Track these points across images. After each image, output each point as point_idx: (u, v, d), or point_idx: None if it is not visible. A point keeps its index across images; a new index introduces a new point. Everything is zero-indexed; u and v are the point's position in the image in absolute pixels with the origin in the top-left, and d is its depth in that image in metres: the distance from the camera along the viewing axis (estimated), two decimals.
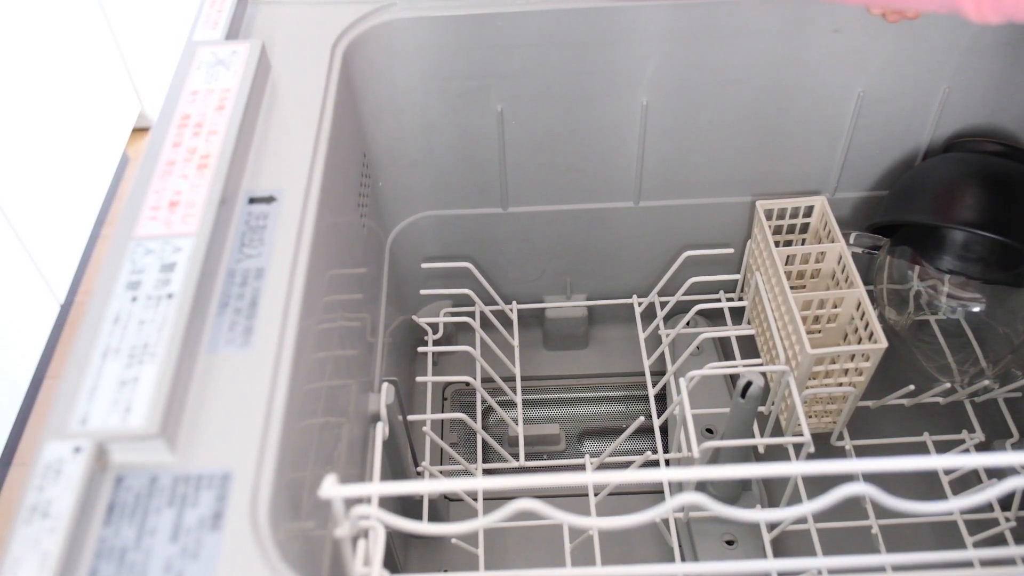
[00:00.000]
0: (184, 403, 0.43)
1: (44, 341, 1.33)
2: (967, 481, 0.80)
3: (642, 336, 0.91)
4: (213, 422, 0.43)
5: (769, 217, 0.83)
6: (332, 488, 0.40)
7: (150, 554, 0.38)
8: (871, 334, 0.73)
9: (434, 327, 0.88)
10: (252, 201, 0.53)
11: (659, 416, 0.84)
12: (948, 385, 0.78)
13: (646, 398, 0.87)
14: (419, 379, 0.84)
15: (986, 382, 0.78)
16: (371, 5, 0.69)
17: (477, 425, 0.79)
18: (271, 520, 0.40)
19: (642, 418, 0.74)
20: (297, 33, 0.66)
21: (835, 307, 0.78)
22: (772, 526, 0.75)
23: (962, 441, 0.81)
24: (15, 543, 0.37)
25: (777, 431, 0.80)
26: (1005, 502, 0.77)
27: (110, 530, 0.39)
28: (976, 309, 0.79)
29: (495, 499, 0.81)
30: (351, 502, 0.42)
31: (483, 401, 0.83)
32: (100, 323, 0.44)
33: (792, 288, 0.78)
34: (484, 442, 0.82)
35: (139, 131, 1.71)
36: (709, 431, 0.84)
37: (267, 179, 0.54)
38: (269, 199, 0.53)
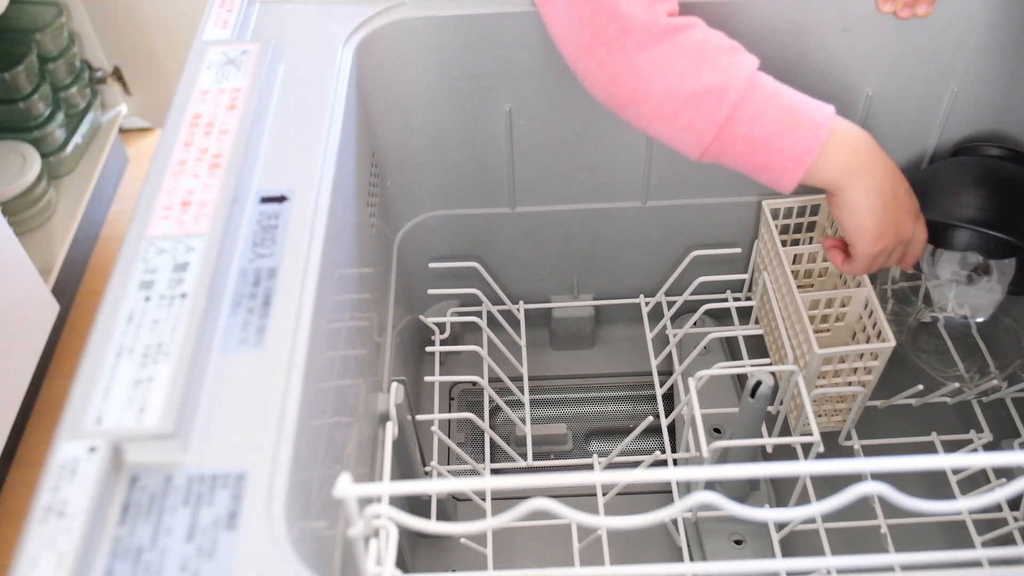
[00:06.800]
0: (198, 402, 0.43)
1: (44, 341, 1.32)
2: (975, 481, 0.80)
3: (649, 336, 0.91)
4: (227, 421, 0.43)
5: (776, 216, 0.83)
6: (347, 487, 0.39)
7: (166, 553, 0.38)
8: (879, 333, 0.73)
9: (441, 327, 0.88)
10: (264, 200, 0.53)
11: (667, 416, 0.84)
12: (956, 385, 0.78)
13: (653, 398, 0.87)
14: (426, 379, 0.83)
15: (994, 381, 0.78)
16: (380, 5, 0.69)
17: (485, 424, 0.79)
18: (286, 519, 0.40)
19: (650, 418, 0.74)
20: (306, 33, 0.66)
21: (843, 306, 0.78)
22: (780, 526, 0.75)
23: (970, 441, 0.81)
24: (31, 542, 0.37)
25: (785, 431, 0.80)
26: (1014, 502, 0.77)
27: (125, 529, 0.39)
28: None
29: (502, 499, 0.81)
30: (364, 501, 0.42)
31: (490, 401, 0.83)
32: (114, 323, 0.44)
33: (800, 287, 0.78)
34: (491, 442, 0.82)
35: (140, 131, 1.70)
36: (717, 431, 0.84)
37: (278, 178, 0.54)
38: (281, 198, 0.53)
